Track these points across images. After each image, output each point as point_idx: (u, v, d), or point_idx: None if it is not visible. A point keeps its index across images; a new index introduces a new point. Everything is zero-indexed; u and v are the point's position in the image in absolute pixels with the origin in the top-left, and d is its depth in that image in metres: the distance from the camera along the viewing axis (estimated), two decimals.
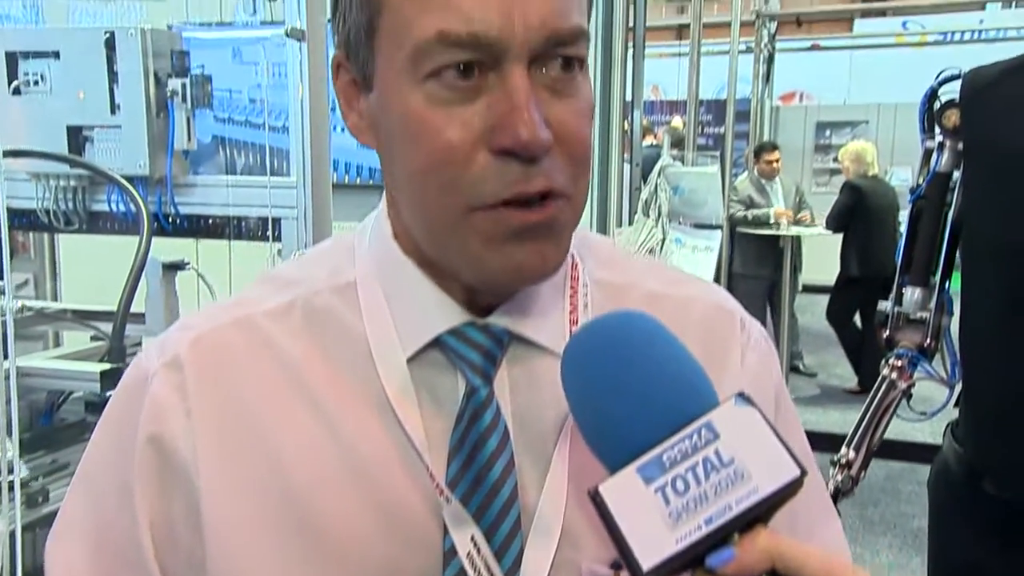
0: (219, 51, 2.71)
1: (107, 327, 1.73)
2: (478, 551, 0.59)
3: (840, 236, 5.32)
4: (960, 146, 1.50)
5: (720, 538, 0.46)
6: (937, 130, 1.53)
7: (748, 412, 0.48)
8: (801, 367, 6.00)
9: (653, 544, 0.46)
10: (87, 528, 0.66)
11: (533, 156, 0.53)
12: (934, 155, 1.54)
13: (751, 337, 0.70)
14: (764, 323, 5.50)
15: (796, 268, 5.64)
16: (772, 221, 5.33)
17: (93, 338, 1.81)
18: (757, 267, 5.47)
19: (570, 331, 0.64)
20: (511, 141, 0.52)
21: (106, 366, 1.61)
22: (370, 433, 0.61)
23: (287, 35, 1.79)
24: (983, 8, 8.57)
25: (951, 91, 1.51)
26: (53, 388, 1.71)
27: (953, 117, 1.49)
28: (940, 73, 1.53)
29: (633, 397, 0.49)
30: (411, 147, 0.55)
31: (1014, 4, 7.53)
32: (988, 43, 7.92)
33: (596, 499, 0.47)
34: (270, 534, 0.61)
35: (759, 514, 0.46)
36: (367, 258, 0.66)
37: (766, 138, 6.46)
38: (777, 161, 5.63)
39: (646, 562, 0.45)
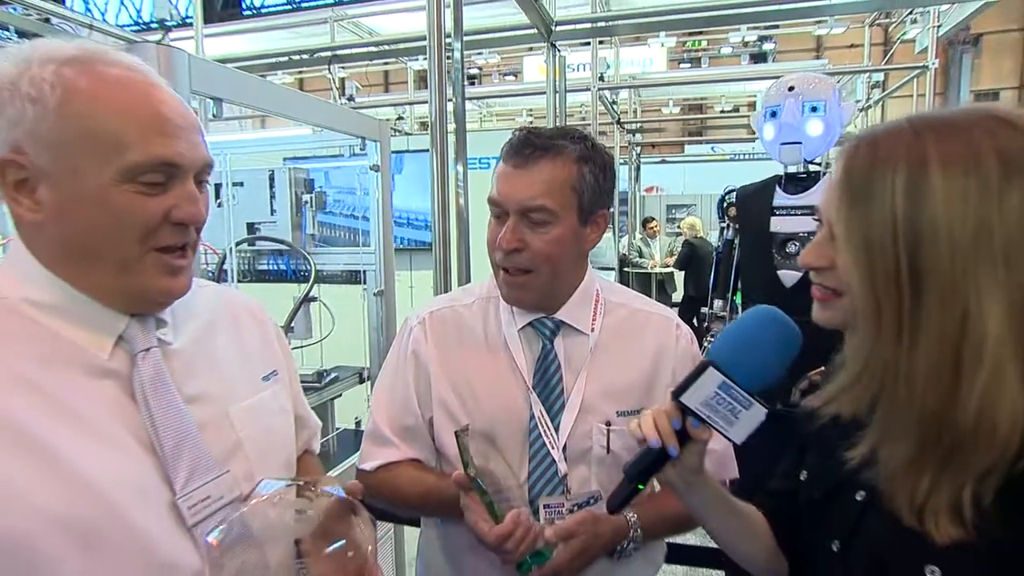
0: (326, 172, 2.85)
1: None
2: (543, 416, 0.75)
3: (683, 273, 5.60)
4: (736, 226, 1.72)
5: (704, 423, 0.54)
6: (725, 217, 1.75)
7: (760, 410, 0.54)
8: None
9: (692, 397, 0.53)
10: (386, 386, 0.82)
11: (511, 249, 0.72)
12: (726, 230, 1.76)
13: (682, 332, 0.81)
14: None
15: (668, 292, 5.85)
16: (649, 267, 5.69)
17: None
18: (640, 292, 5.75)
19: (592, 324, 0.77)
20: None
21: None
22: (499, 365, 0.77)
23: (370, 169, 1.98)
24: (755, 140, 9.14)
25: (731, 197, 1.73)
26: None
27: (732, 211, 1.71)
28: (726, 188, 1.75)
29: (753, 362, 0.55)
30: None
31: None
32: (760, 161, 8.44)
33: (705, 365, 0.53)
34: (452, 398, 0.77)
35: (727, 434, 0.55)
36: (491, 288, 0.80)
37: (638, 214, 6.79)
38: (657, 227, 6.08)
39: (686, 399, 0.53)
